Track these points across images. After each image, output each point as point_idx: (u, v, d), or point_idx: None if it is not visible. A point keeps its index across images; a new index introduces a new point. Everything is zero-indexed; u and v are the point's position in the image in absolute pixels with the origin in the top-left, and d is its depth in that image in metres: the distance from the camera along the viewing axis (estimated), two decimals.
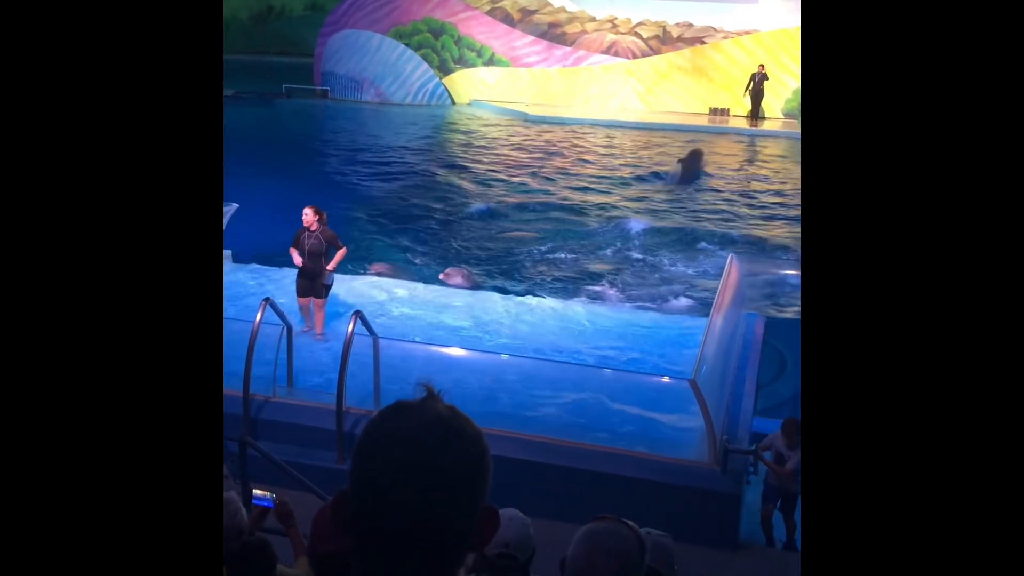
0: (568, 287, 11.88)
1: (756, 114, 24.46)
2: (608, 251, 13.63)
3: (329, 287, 9.09)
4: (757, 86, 24.28)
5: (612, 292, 11.63)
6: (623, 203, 16.62)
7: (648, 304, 11.11)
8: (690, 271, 12.83)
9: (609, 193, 17.36)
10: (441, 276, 11.16)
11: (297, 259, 8.91)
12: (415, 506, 1.13)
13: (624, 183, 18.16)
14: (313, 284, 9.00)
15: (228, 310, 9.54)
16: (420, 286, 11.04)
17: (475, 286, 11.29)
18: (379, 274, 11.27)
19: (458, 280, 11.15)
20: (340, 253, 8.99)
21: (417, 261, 12.83)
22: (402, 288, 10.91)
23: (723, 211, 16.33)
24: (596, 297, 11.42)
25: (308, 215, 8.89)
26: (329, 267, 8.93)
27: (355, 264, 11.83)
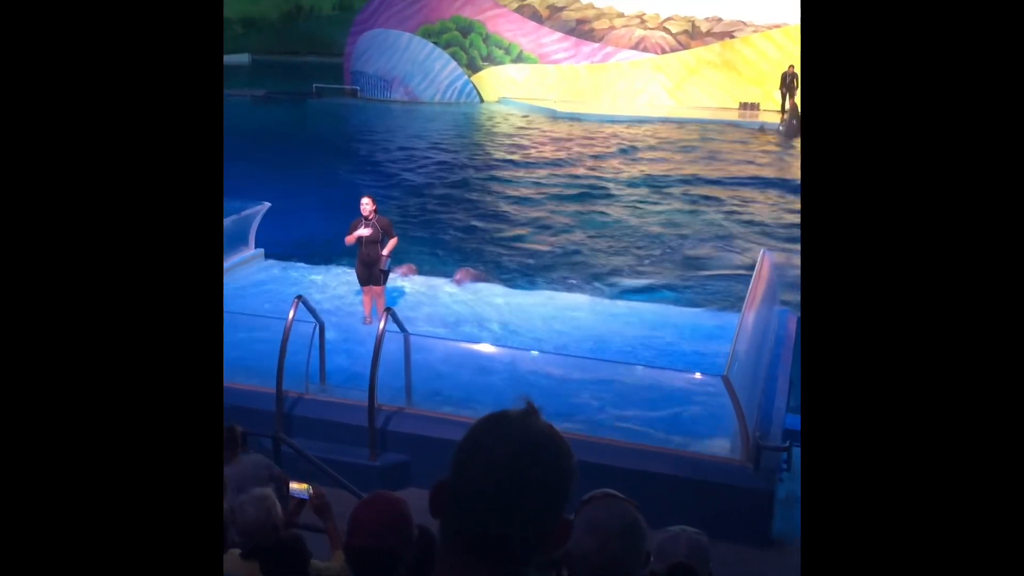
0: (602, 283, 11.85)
1: (792, 108, 23.98)
2: (638, 248, 13.57)
3: (387, 273, 9.43)
4: (789, 85, 23.89)
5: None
6: (648, 203, 16.55)
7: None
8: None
9: (636, 194, 17.29)
10: (455, 280, 11.14)
11: (363, 231, 9.14)
12: (509, 507, 1.23)
13: (655, 184, 18.07)
14: (371, 272, 9.31)
15: (262, 307, 9.66)
16: (446, 283, 11.09)
17: (487, 281, 11.27)
18: (406, 275, 11.30)
19: (467, 280, 11.13)
20: (392, 241, 9.32)
21: (444, 259, 12.83)
22: (430, 286, 10.97)
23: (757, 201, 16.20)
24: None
25: (369, 204, 9.24)
26: (385, 252, 9.23)
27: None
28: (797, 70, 23.82)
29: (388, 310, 7.03)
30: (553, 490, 1.26)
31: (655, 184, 17.70)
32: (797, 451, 6.89)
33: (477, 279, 11.20)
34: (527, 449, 1.25)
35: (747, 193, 17.10)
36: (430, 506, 1.29)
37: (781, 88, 24.20)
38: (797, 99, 24.04)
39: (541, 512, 1.25)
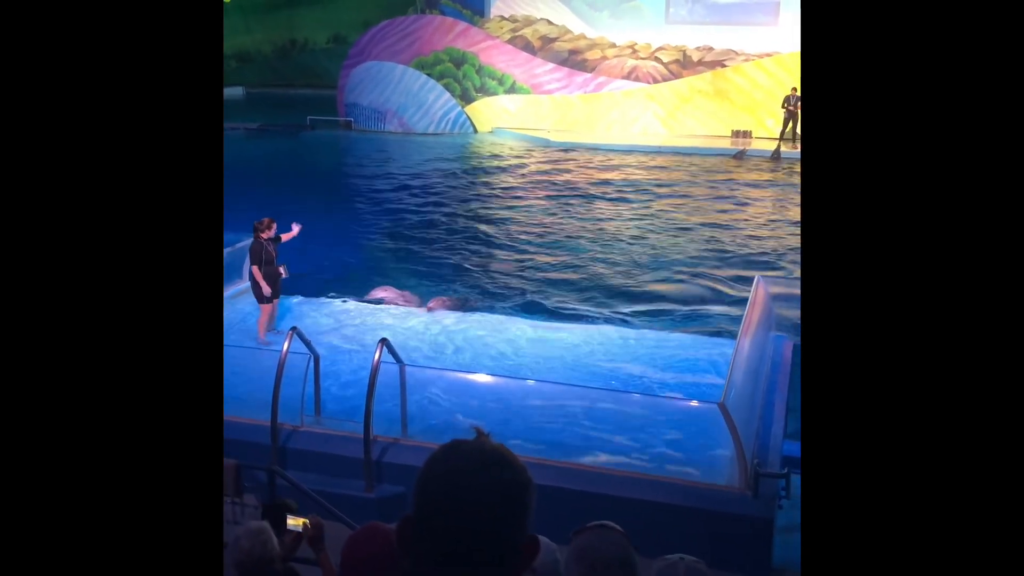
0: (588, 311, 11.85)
1: (794, 136, 23.77)
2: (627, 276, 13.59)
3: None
4: (791, 108, 23.70)
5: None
6: (638, 223, 16.61)
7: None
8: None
9: (624, 217, 17.35)
10: (428, 307, 11.16)
11: (284, 271, 9.73)
12: (471, 529, 1.28)
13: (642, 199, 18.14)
14: (276, 285, 9.74)
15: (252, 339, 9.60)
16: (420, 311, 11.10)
17: (464, 310, 11.27)
18: (388, 300, 11.30)
19: (440, 308, 11.12)
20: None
21: (433, 288, 12.81)
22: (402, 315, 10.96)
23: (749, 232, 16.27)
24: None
25: (274, 226, 9.74)
26: (280, 264, 9.76)
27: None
28: (799, 92, 23.55)
29: (383, 341, 7.01)
30: (512, 504, 1.32)
31: (646, 211, 17.77)
32: (796, 478, 6.85)
33: (451, 308, 11.17)
34: (482, 467, 1.32)
35: (743, 219, 17.17)
36: (397, 541, 1.34)
37: (785, 107, 23.91)
38: (799, 127, 23.77)
39: (504, 528, 1.31)
